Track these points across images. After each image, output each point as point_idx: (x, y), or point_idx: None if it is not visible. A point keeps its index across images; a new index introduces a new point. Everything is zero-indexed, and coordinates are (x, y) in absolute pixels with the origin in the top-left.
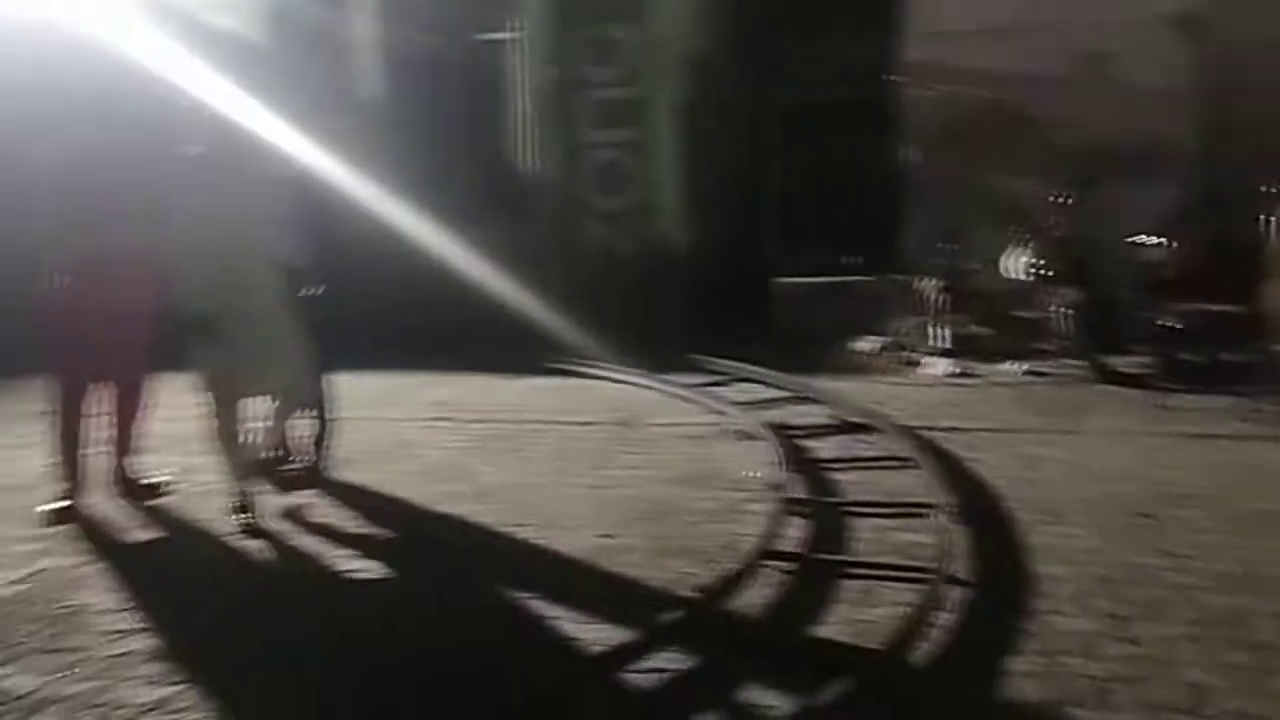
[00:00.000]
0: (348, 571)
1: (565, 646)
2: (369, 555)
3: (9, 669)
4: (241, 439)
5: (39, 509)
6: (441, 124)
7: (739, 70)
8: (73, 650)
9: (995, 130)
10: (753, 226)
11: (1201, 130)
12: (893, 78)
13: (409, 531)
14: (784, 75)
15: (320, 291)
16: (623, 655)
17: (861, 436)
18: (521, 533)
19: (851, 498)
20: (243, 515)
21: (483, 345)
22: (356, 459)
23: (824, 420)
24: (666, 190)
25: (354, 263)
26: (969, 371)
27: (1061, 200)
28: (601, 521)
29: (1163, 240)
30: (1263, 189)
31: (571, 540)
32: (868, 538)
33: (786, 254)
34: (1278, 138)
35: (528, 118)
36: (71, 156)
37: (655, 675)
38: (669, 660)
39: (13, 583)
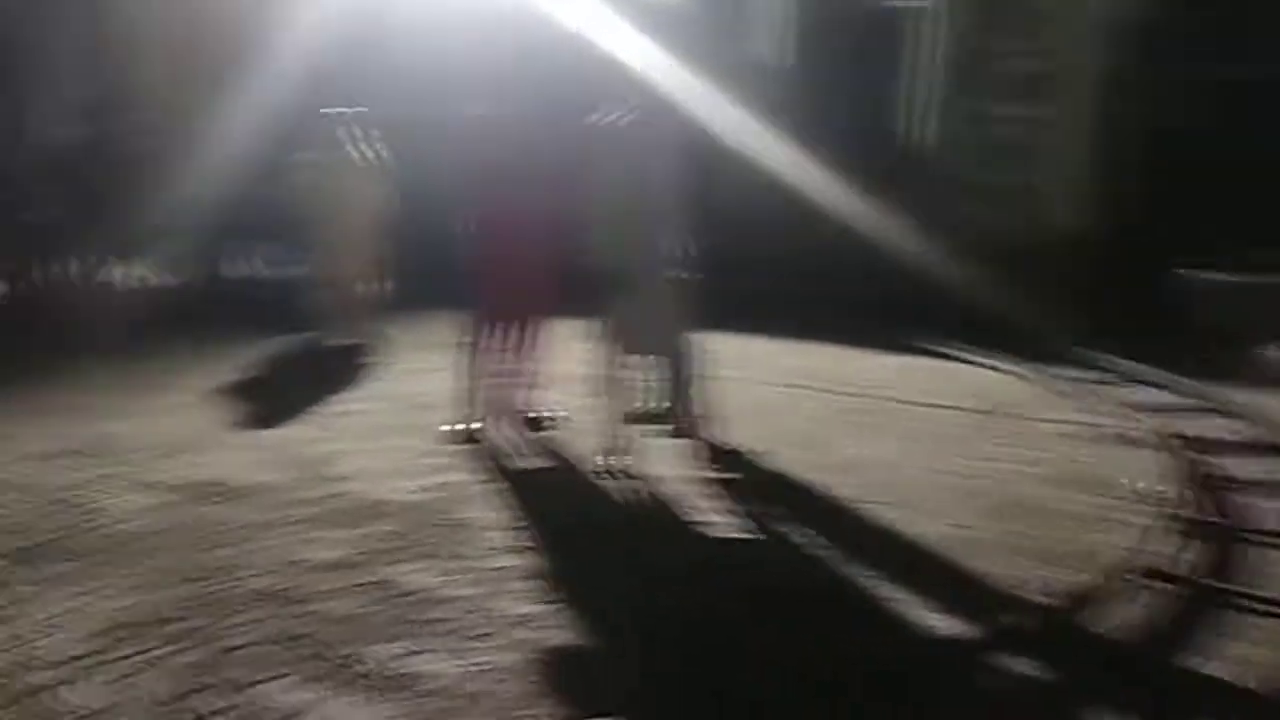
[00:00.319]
0: (706, 521)
1: (907, 631)
2: (727, 509)
3: (411, 566)
4: (628, 387)
5: (444, 428)
6: (845, 92)
7: (1167, 42)
8: (460, 558)
9: None
10: (1159, 213)
11: None
12: None
13: (765, 493)
14: (1214, 49)
15: (702, 255)
16: (964, 648)
17: (1275, 456)
18: (876, 510)
19: (1260, 525)
20: (619, 457)
21: (850, 317)
22: (719, 419)
23: (1232, 435)
24: (1064, 170)
25: (737, 227)
26: None
27: None
28: (959, 510)
29: None
30: None
31: (926, 525)
32: (1266, 569)
33: (1196, 245)
34: None
35: (931, 88)
36: (497, 114)
37: (994, 674)
38: (1010, 662)
39: (420, 490)
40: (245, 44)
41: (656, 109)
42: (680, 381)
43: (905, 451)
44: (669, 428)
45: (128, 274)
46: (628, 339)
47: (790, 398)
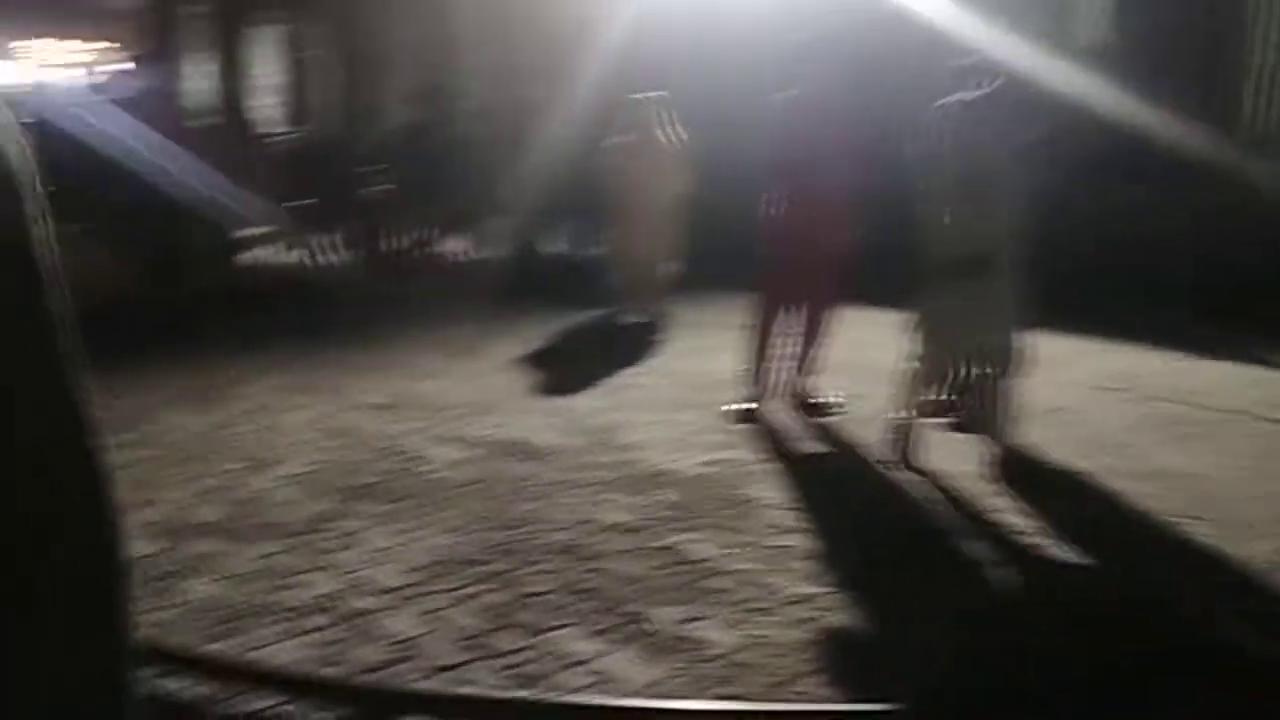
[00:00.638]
0: (993, 519)
1: (1220, 654)
2: (1017, 509)
3: (694, 535)
4: (937, 379)
5: (727, 407)
6: (1168, 71)
7: None
8: (741, 532)
9: None
10: None
11: None
12: None
13: (1061, 497)
14: None
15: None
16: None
17: None
18: (1190, 525)
19: None
20: (910, 448)
21: (1180, 315)
22: (1019, 419)
23: None
24: None
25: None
26: None
27: None
28: None
29: None
30: None
31: (1252, 546)
32: None
33: None
34: None
35: (1264, 69)
36: (806, 98)
37: None
38: None
39: (703, 464)
40: (563, 32)
41: (1005, 85)
42: (995, 379)
43: (1227, 466)
44: (966, 422)
45: (454, 247)
46: (957, 329)
47: (1098, 401)
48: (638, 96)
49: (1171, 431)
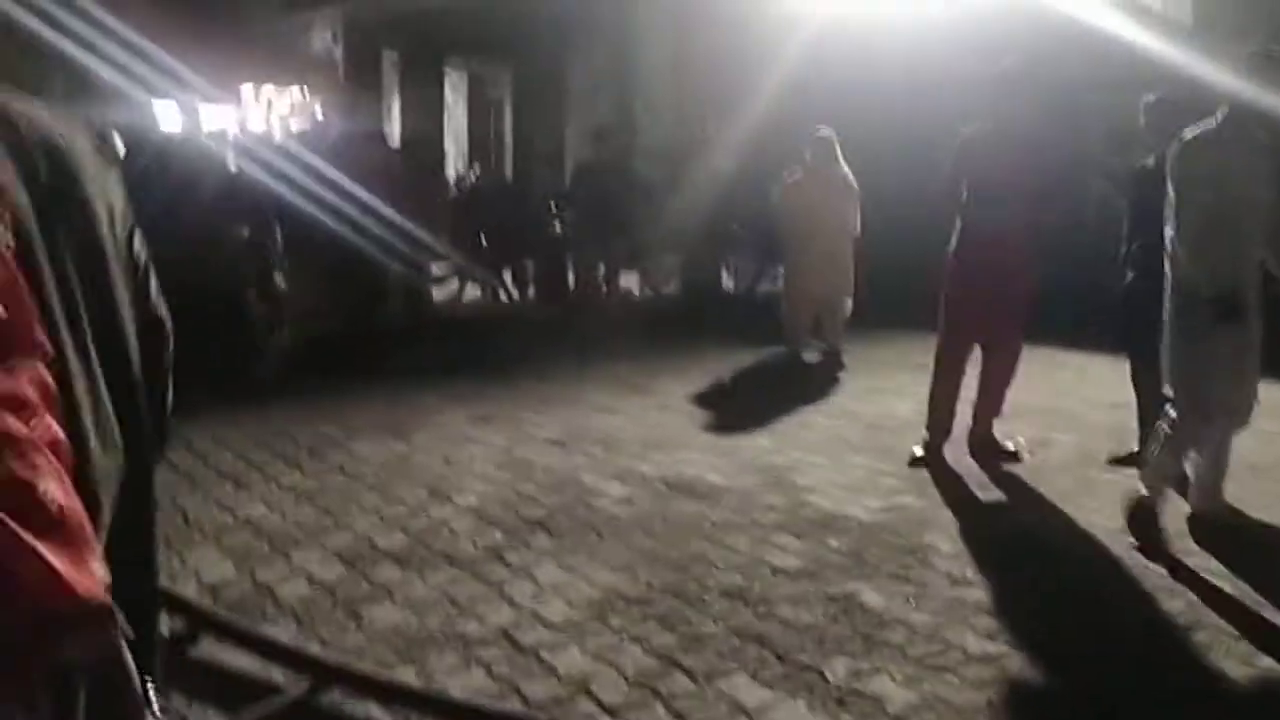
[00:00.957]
0: (1188, 579)
1: None
2: (1212, 569)
3: (867, 584)
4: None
5: (906, 451)
6: None
7: None
8: (917, 583)
9: None
10: None
11: None
12: None
13: (1259, 558)
14: None
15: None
16: None
17: None
18: None
19: None
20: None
21: None
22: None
23: None
24: None
25: None
26: None
27: None
28: None
29: None
30: None
31: None
32: None
33: None
34: None
35: None
36: (991, 134)
37: None
38: None
39: (878, 509)
40: (740, 68)
41: (1237, 113)
42: (1228, 433)
43: None
44: (1168, 477)
45: (631, 284)
46: (1208, 379)
47: None
48: (815, 133)
49: None
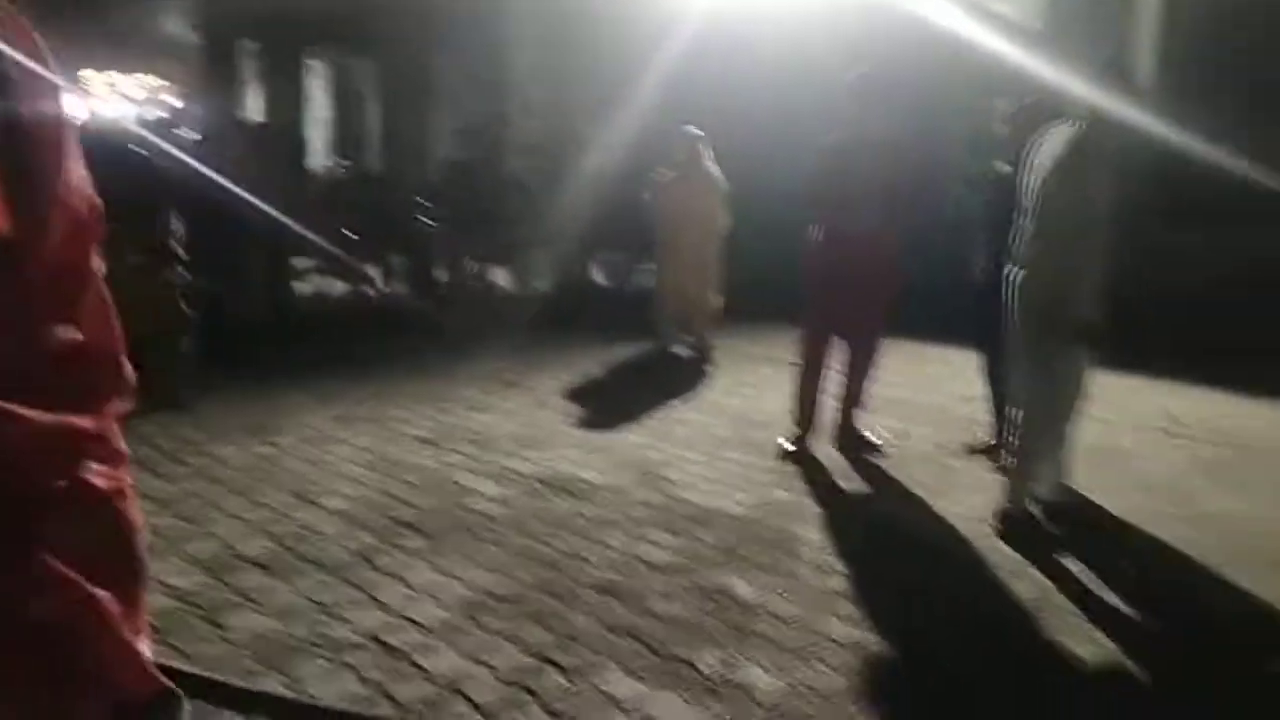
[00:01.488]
0: (1041, 562)
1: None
2: (1065, 552)
3: (738, 577)
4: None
5: (775, 444)
6: (1222, 91)
7: None
8: (787, 575)
9: None
10: None
11: None
12: None
13: (1107, 539)
14: None
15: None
16: None
17: None
18: (1240, 570)
19: None
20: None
21: (1233, 361)
22: (1073, 459)
23: None
24: None
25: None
26: None
27: None
28: None
29: None
30: None
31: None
32: None
33: None
34: None
35: None
36: (849, 139)
37: None
38: None
39: (748, 503)
40: (611, 67)
41: (1097, 126)
42: (1053, 421)
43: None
44: (1013, 464)
45: (501, 280)
46: (1066, 399)
47: (1154, 443)
48: (685, 130)
49: (1227, 476)
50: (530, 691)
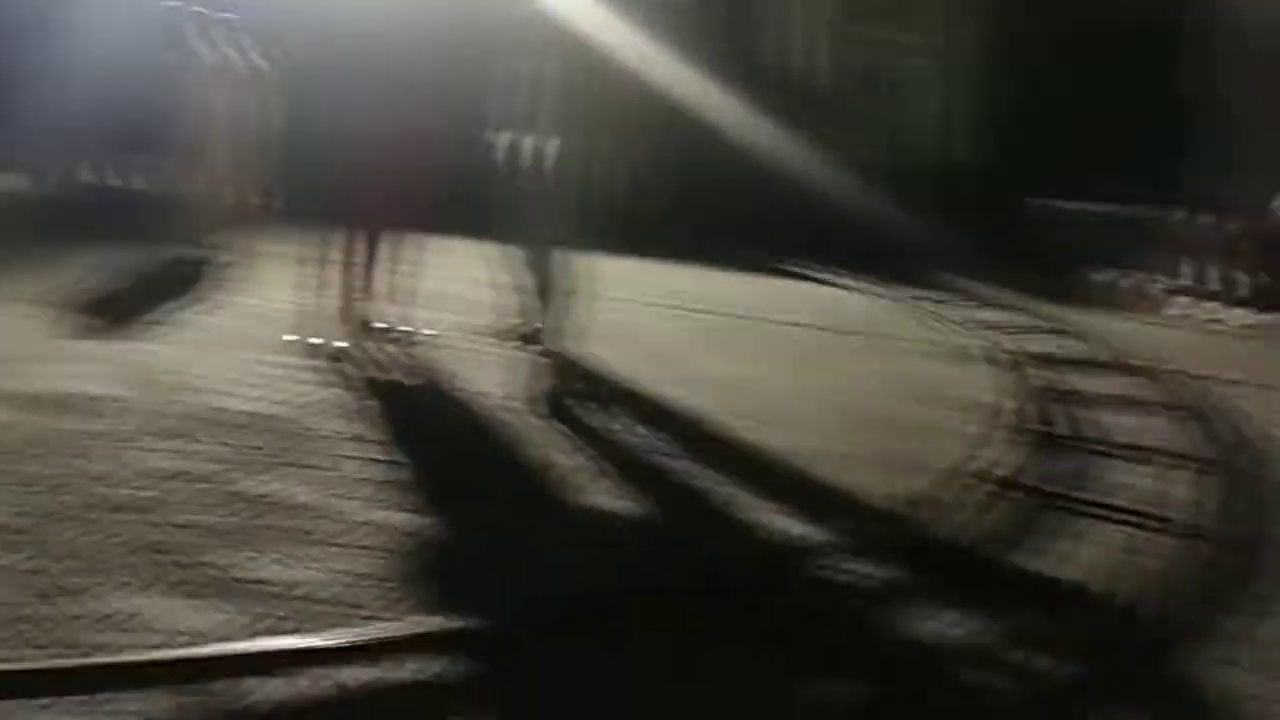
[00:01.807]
0: (560, 433)
1: (751, 535)
2: (582, 423)
3: (263, 476)
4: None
5: (296, 340)
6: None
7: None
8: (313, 468)
9: None
10: (1018, 145)
11: None
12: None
13: (621, 407)
14: None
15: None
16: (806, 552)
17: (1107, 372)
18: (732, 424)
19: (1092, 435)
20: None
21: (724, 240)
22: (588, 335)
23: (1069, 352)
24: (937, 100)
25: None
26: (1219, 314)
27: None
28: (816, 424)
29: None
30: None
31: (782, 438)
32: (1102, 477)
33: (1051, 177)
34: None
35: (816, 17)
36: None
37: (834, 576)
38: (850, 564)
39: (271, 402)
40: None
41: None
42: (548, 297)
43: (768, 369)
44: (534, 344)
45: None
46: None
47: (658, 317)
48: (199, 11)
49: (721, 341)
50: (31, 621)
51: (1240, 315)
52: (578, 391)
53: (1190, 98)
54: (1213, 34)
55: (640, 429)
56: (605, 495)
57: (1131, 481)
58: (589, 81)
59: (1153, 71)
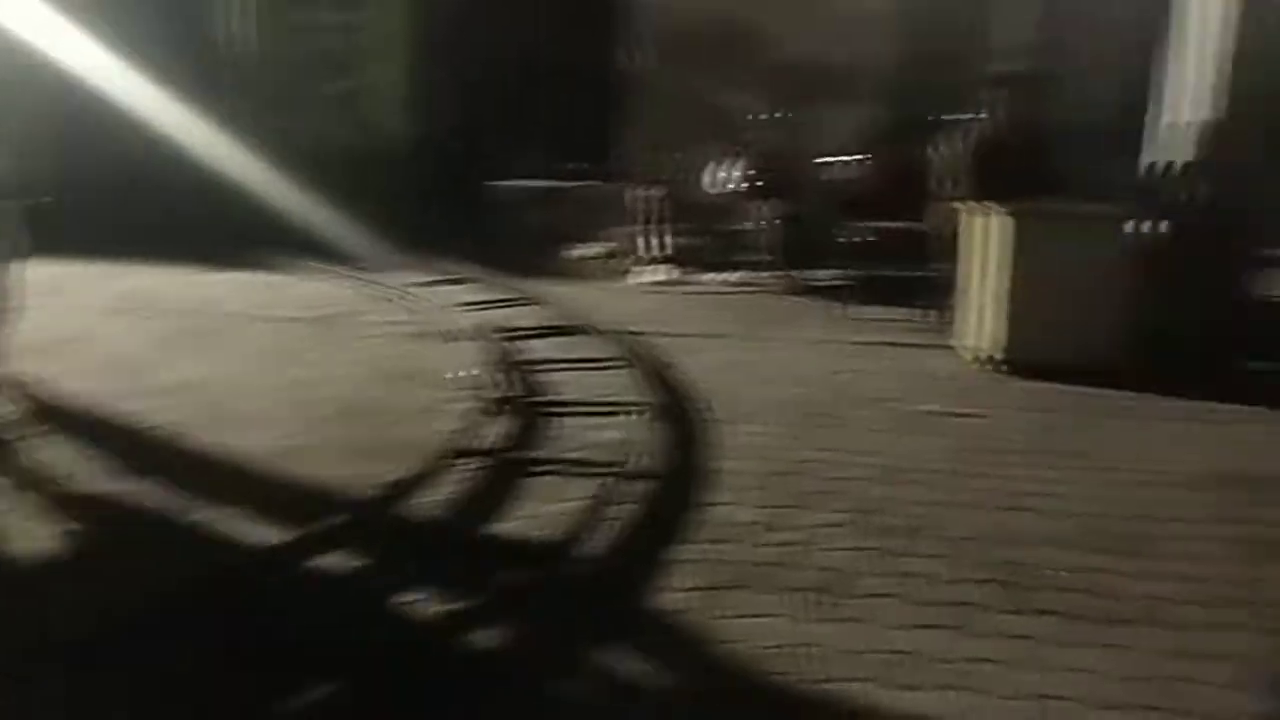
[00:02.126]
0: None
1: (217, 546)
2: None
3: None
4: None
5: None
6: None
7: None
8: None
9: (713, 41)
10: (471, 125)
11: (898, 59)
12: None
13: (73, 429)
14: None
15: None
16: (278, 553)
17: (571, 339)
18: (198, 431)
19: (556, 397)
20: None
21: (177, 235)
22: (30, 349)
23: (536, 323)
24: (387, 81)
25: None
26: (681, 280)
27: (771, 117)
28: (290, 420)
29: (854, 160)
30: (939, 117)
31: (254, 439)
32: (569, 436)
33: (505, 155)
34: (957, 71)
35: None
36: None
37: (320, 572)
38: (325, 557)
39: None
40: None
41: None
42: None
43: (240, 369)
44: None
45: None
46: None
47: (113, 322)
48: None
49: (187, 343)
50: None
51: (680, 275)
52: (32, 413)
53: (622, 73)
54: (641, 10)
55: (90, 451)
56: (34, 540)
57: (596, 436)
58: None
59: (587, 48)
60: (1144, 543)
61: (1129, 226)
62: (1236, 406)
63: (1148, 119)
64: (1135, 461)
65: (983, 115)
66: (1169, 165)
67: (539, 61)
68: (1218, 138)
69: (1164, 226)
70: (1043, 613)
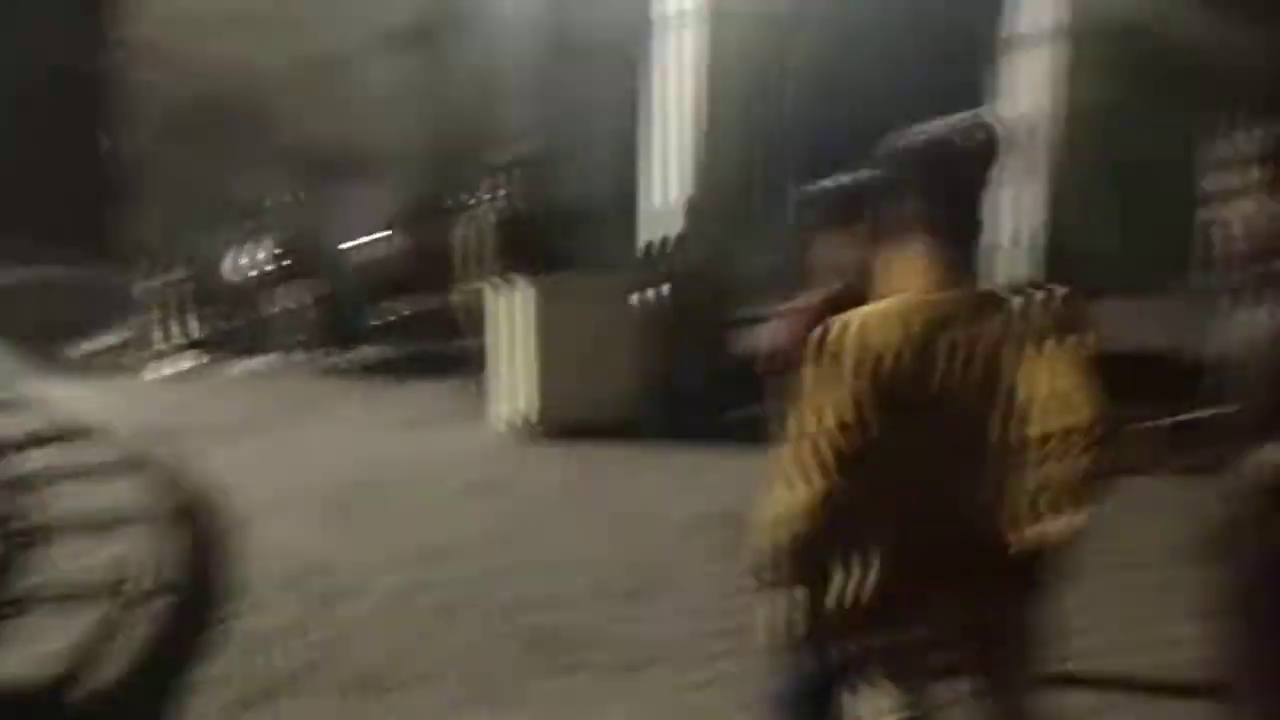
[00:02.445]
0: None
1: None
2: None
3: None
4: None
5: None
6: None
7: None
8: None
9: (218, 121)
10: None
11: (417, 143)
12: (114, 58)
13: None
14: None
15: None
16: None
17: (73, 445)
18: None
19: (45, 519)
20: None
21: None
22: None
23: (29, 429)
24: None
25: None
26: (208, 369)
27: (290, 199)
28: None
29: (382, 240)
30: (457, 199)
31: None
32: (61, 561)
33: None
34: (469, 155)
35: None
36: None
37: None
38: None
39: None
40: None
41: None
42: None
43: None
44: None
45: None
46: None
47: None
48: None
49: None
50: None
51: (208, 364)
52: None
53: (122, 157)
54: (138, 93)
55: None
56: None
57: (92, 559)
58: None
59: (79, 131)
60: (654, 587)
61: (635, 295)
62: (731, 450)
63: (640, 197)
64: (644, 508)
65: (495, 197)
66: (664, 239)
67: (22, 143)
68: (693, 213)
69: (664, 293)
70: (572, 669)
